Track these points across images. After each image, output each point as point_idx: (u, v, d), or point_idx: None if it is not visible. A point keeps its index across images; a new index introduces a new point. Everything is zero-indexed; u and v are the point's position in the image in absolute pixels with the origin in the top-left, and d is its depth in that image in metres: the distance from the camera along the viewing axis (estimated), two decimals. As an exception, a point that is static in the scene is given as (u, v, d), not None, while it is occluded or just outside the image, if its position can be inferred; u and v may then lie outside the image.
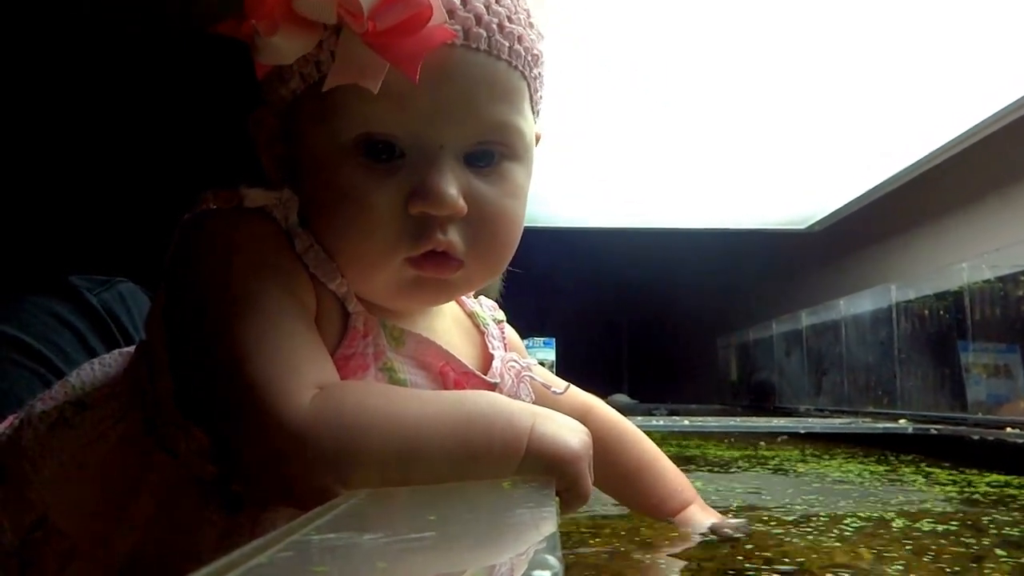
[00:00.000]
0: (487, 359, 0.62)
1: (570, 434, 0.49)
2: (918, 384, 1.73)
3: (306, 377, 0.46)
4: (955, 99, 1.51)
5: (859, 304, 2.06)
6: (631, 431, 0.73)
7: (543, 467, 0.47)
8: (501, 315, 0.69)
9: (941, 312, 1.63)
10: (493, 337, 0.65)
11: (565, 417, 0.50)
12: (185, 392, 0.51)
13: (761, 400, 2.88)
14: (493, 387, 0.59)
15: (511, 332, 0.69)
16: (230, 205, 0.52)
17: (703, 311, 4.08)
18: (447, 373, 0.57)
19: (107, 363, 0.61)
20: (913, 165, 1.84)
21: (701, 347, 3.91)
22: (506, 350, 0.65)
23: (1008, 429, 1.32)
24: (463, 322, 0.65)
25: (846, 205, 2.27)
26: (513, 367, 0.62)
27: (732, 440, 1.78)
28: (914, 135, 1.70)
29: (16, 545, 0.52)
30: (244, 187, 0.53)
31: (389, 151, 0.51)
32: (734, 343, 3.33)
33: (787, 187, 2.22)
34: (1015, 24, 1.23)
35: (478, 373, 0.59)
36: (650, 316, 5.05)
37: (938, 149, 1.74)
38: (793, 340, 2.58)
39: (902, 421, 1.60)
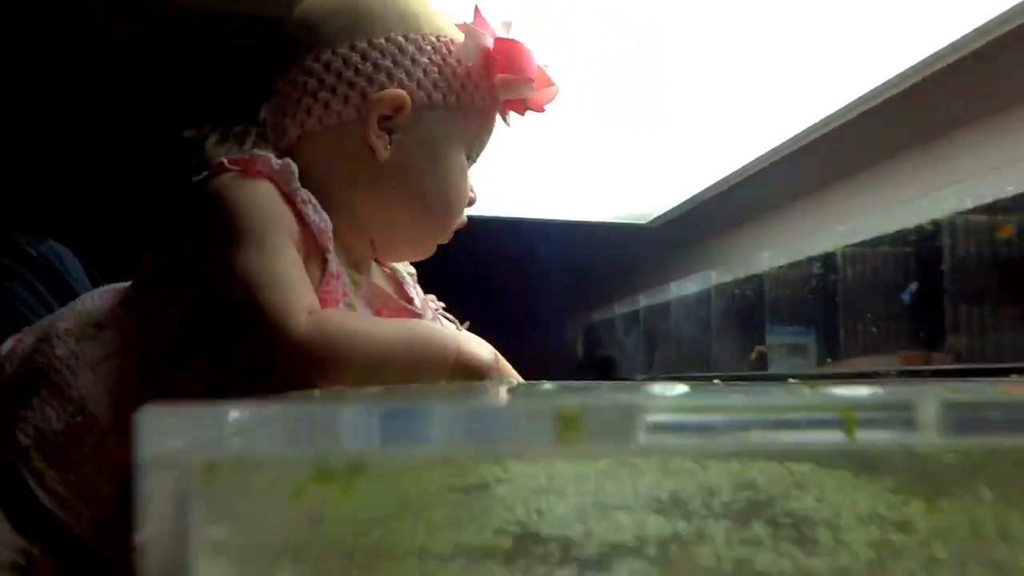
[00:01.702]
0: (408, 300, 0.83)
1: (483, 349, 0.70)
2: (728, 352, 2.05)
3: (302, 303, 0.64)
4: (778, 108, 1.78)
5: (686, 287, 2.37)
6: None
7: (467, 374, 0.67)
8: (412, 270, 0.89)
9: (748, 293, 1.95)
10: (408, 285, 0.85)
11: (477, 338, 0.71)
12: (185, 324, 0.66)
13: (603, 374, 3.18)
14: (420, 317, 0.79)
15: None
16: (239, 168, 0.68)
17: (553, 296, 4.36)
18: (382, 312, 0.76)
19: (104, 296, 0.74)
20: (735, 172, 2.15)
21: (552, 329, 4.19)
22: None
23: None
24: (386, 273, 0.85)
25: (681, 204, 2.58)
26: (431, 304, 0.83)
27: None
28: (736, 143, 2.00)
29: (61, 428, 0.65)
30: (254, 153, 0.69)
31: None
32: (582, 325, 3.63)
33: (631, 184, 2.48)
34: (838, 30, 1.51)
35: (408, 306, 0.78)
36: (500, 300, 5.29)
37: (757, 158, 2.05)
38: (632, 320, 2.89)
39: (716, 381, 1.89)
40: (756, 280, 1.89)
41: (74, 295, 0.92)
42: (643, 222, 2.93)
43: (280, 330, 0.61)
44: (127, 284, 0.77)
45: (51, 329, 0.71)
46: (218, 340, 0.65)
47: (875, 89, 1.52)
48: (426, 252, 0.83)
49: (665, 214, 2.72)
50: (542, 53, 0.80)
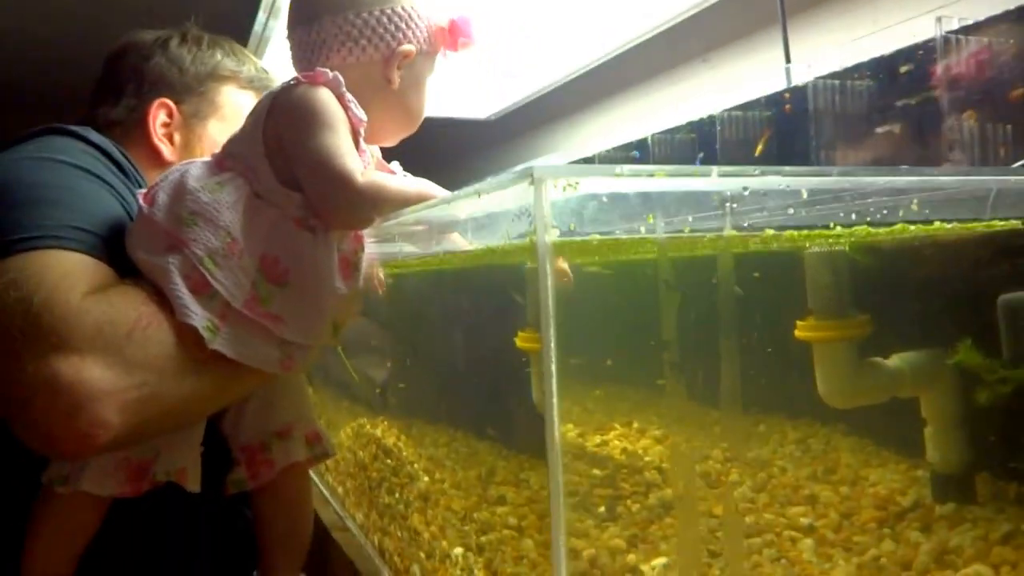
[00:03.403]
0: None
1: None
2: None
3: (359, 166, 1.04)
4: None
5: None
6: None
7: None
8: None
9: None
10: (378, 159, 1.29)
11: None
12: (287, 171, 1.05)
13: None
14: None
15: None
16: (308, 80, 1.08)
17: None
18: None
19: (198, 164, 1.10)
20: (569, 74, 2.64)
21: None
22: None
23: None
24: None
25: (517, 102, 3.06)
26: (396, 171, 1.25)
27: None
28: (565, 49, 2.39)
29: (219, 246, 0.95)
30: (318, 70, 1.08)
31: None
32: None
33: (473, 83, 2.87)
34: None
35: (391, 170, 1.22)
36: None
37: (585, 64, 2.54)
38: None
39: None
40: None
41: (124, 171, 1.21)
42: (482, 117, 3.38)
43: (349, 182, 0.94)
44: (207, 160, 1.13)
45: (182, 186, 0.99)
46: (310, 189, 1.04)
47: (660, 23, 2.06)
48: (393, 143, 1.25)
49: (504, 109, 3.20)
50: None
